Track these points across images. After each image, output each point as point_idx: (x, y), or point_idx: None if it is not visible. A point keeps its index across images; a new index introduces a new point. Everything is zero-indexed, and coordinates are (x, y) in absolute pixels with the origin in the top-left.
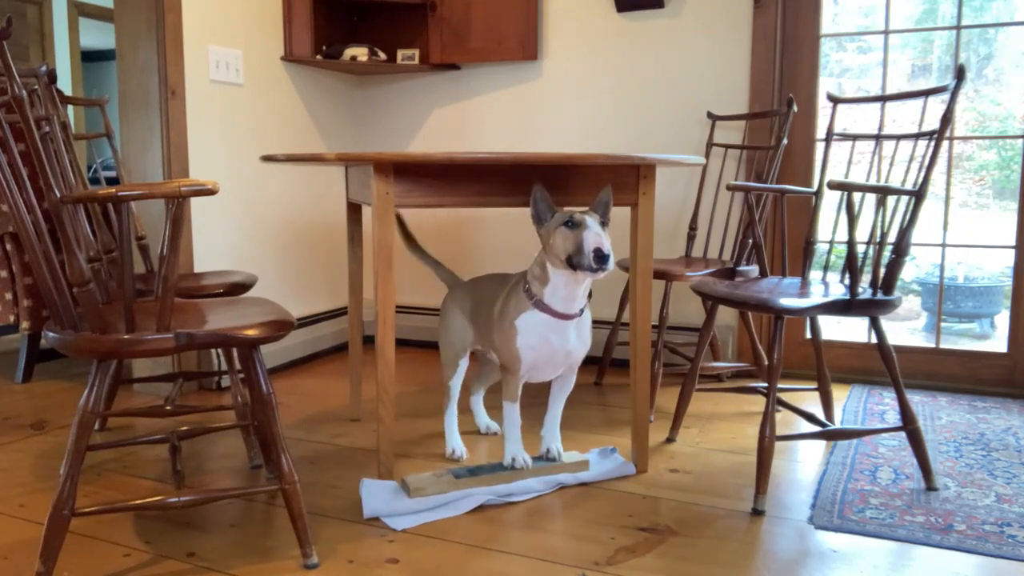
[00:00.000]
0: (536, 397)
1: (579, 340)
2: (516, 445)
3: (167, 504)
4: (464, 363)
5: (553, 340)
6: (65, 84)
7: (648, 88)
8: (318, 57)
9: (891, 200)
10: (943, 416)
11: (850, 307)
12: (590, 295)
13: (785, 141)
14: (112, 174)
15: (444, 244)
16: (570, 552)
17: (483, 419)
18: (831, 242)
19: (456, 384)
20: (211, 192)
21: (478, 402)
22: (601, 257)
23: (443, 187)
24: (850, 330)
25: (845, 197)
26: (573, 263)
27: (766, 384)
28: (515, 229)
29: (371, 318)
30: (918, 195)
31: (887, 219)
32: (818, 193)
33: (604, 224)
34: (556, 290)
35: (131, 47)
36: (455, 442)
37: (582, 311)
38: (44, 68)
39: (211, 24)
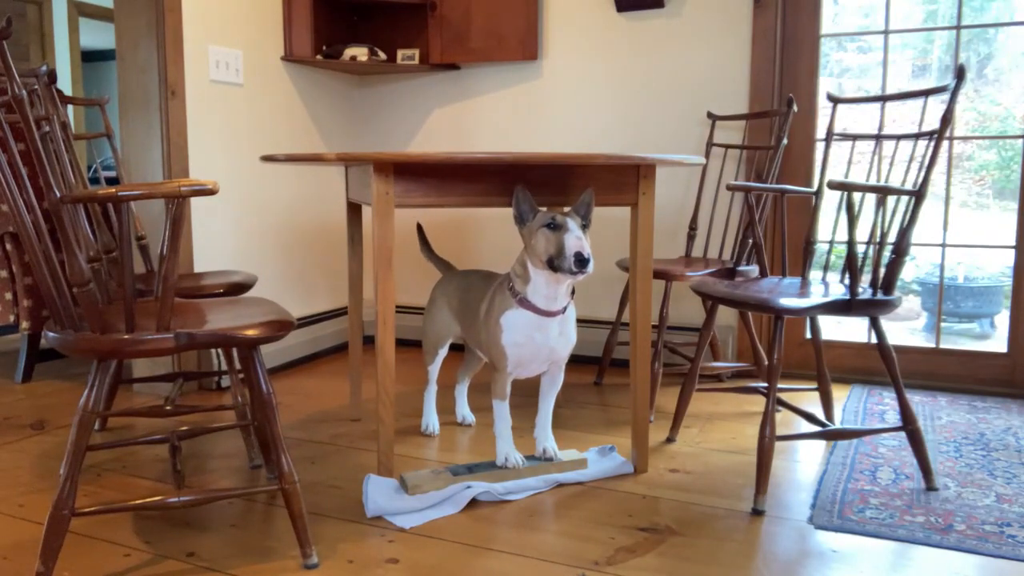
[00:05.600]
0: (530, 397)
1: (562, 337)
2: (507, 444)
3: (167, 504)
4: (443, 351)
5: (537, 338)
6: (65, 84)
7: (648, 88)
8: (318, 57)
9: (891, 200)
10: (943, 416)
11: (850, 307)
12: (573, 292)
13: (785, 141)
14: (112, 174)
15: (444, 244)
16: (570, 552)
17: (462, 409)
18: (831, 242)
19: (434, 369)
20: (211, 192)
21: (461, 392)
22: (581, 261)
23: (443, 187)
24: (850, 330)
25: (845, 197)
26: (554, 265)
27: (766, 384)
28: (515, 229)
29: (371, 318)
30: (918, 195)
31: (887, 219)
32: (818, 193)
33: (585, 226)
34: (538, 289)
35: (131, 47)
36: (430, 418)
37: (565, 308)
38: (44, 68)
39: (211, 24)
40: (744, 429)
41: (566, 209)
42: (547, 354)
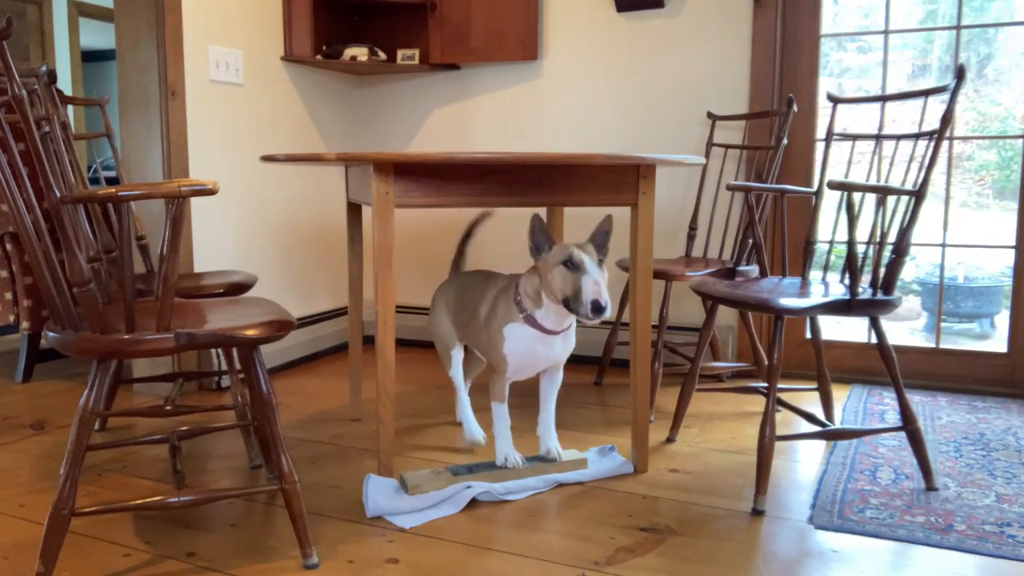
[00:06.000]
0: (529, 398)
1: (564, 346)
2: (507, 444)
3: (167, 504)
4: (458, 353)
5: (539, 349)
6: (65, 84)
7: (648, 88)
8: (318, 57)
9: (891, 200)
10: (943, 416)
11: (850, 307)
12: None
13: (785, 141)
14: (112, 174)
15: (444, 244)
16: (570, 552)
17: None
18: (831, 242)
19: (457, 374)
20: (211, 192)
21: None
22: (598, 308)
23: (443, 187)
24: (850, 330)
25: (845, 197)
26: (569, 306)
27: (766, 384)
28: (515, 229)
29: (371, 318)
30: (918, 195)
31: (887, 219)
32: (818, 193)
33: (602, 261)
34: (548, 314)
35: (131, 47)
36: (472, 428)
37: (570, 325)
38: (44, 68)
39: (211, 24)
40: (744, 429)
41: (578, 243)
42: (546, 362)
